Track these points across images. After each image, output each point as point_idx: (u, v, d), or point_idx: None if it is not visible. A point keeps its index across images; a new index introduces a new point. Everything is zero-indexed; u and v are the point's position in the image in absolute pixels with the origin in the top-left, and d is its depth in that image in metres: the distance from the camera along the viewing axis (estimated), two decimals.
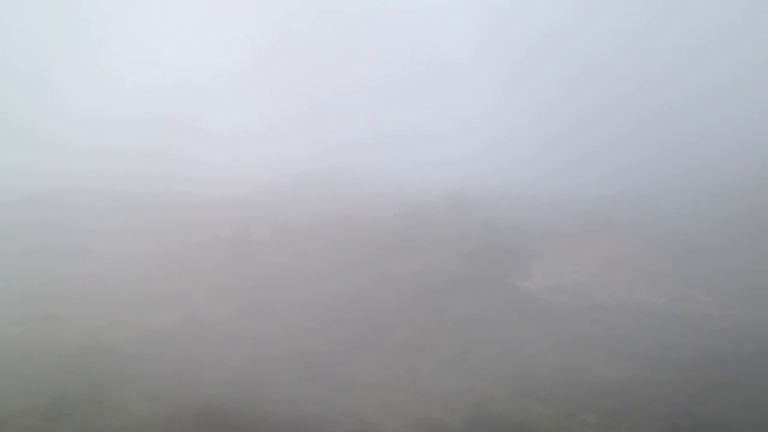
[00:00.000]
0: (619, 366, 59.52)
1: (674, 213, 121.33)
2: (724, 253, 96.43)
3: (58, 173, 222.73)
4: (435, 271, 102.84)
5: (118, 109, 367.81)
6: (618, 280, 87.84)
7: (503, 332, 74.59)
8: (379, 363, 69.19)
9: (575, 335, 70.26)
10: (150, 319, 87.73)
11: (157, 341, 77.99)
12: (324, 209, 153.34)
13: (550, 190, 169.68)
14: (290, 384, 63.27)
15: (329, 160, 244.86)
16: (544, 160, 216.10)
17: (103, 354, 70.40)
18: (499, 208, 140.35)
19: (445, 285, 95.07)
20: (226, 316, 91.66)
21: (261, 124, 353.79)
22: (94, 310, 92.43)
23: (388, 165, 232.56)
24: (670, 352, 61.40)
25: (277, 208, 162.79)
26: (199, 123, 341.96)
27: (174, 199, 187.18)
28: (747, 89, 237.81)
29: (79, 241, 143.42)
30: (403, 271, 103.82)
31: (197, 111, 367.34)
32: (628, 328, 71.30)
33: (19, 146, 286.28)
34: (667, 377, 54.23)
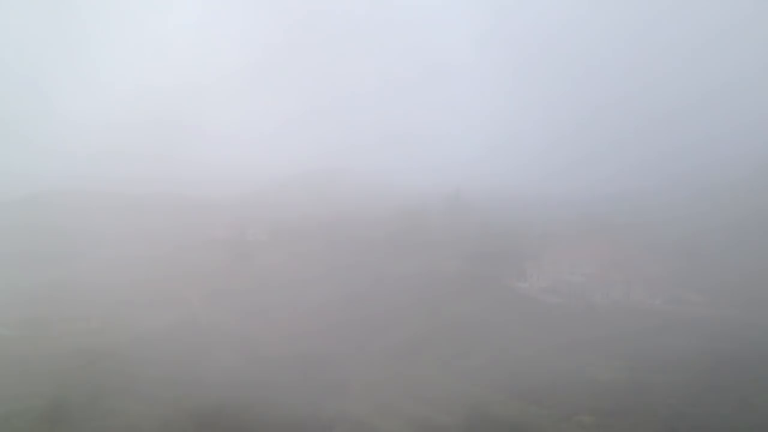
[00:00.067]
0: (614, 367, 59.61)
1: (670, 215, 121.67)
2: (720, 254, 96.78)
3: (55, 175, 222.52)
4: (431, 273, 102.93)
5: (117, 112, 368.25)
6: (614, 281, 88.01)
7: (499, 334, 74.62)
8: (376, 364, 69.12)
9: (571, 337, 70.34)
10: (146, 320, 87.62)
11: (153, 342, 77.86)
12: (321, 210, 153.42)
13: (547, 191, 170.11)
14: (286, 385, 63.12)
15: (328, 161, 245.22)
16: (542, 161, 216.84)
17: (99, 355, 70.24)
18: (496, 210, 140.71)
19: (441, 286, 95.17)
20: (222, 317, 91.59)
21: (260, 125, 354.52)
22: (91, 311, 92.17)
23: (386, 166, 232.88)
24: (665, 353, 61.50)
25: (273, 209, 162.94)
26: (198, 124, 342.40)
27: (171, 201, 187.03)
28: (746, 89, 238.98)
29: (74, 242, 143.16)
30: (400, 272, 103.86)
31: (197, 113, 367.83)
32: (624, 330, 71.40)
33: (16, 148, 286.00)
34: (663, 378, 54.35)
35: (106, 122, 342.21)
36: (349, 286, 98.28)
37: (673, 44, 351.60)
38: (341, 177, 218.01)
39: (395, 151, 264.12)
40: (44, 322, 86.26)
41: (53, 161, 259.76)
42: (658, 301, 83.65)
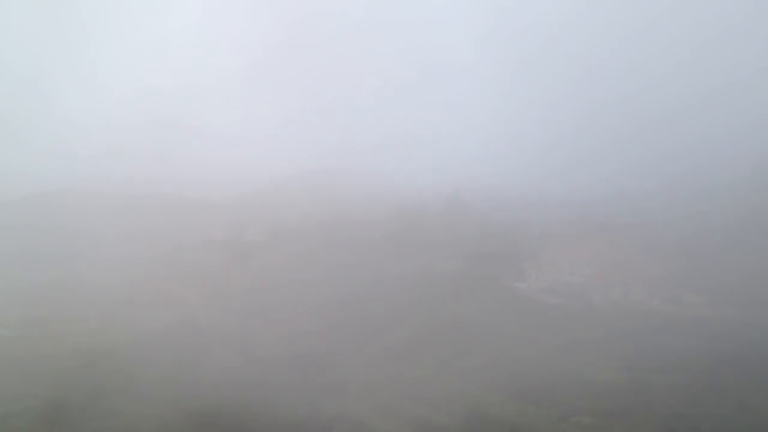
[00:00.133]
0: (613, 368, 59.54)
1: (669, 215, 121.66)
2: (719, 254, 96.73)
3: (55, 175, 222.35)
4: (430, 273, 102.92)
5: (116, 112, 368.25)
6: (612, 281, 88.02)
7: (498, 334, 74.59)
8: (375, 364, 69.11)
9: (569, 337, 70.32)
10: (145, 321, 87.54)
11: (152, 342, 77.79)
12: (320, 210, 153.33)
13: (547, 191, 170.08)
14: (286, 385, 63.14)
15: (327, 161, 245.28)
16: (542, 161, 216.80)
17: (98, 355, 70.14)
18: (496, 210, 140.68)
19: (440, 287, 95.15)
20: (222, 317, 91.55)
21: (259, 125, 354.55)
22: (90, 312, 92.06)
23: (386, 166, 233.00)
24: (664, 354, 61.46)
25: (273, 210, 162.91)
26: (198, 125, 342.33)
27: (170, 201, 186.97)
28: (746, 89, 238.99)
29: (74, 242, 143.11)
30: (399, 272, 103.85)
31: (196, 113, 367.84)
32: (623, 330, 71.40)
33: (16, 148, 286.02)
34: (663, 379, 54.28)
35: (105, 122, 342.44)
36: (348, 286, 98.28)
37: (673, 44, 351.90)
38: (341, 177, 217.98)
39: (395, 151, 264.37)
40: (43, 322, 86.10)
41: (53, 161, 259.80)
42: (657, 302, 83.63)
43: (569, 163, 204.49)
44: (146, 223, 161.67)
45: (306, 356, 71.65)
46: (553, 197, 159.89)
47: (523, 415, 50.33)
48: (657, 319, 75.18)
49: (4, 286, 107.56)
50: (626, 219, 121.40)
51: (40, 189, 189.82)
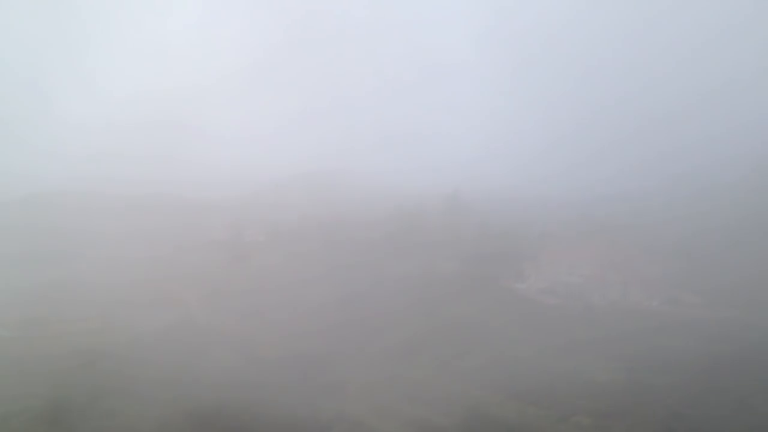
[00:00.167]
0: (612, 368, 59.60)
1: (669, 215, 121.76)
2: (718, 255, 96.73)
3: (55, 176, 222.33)
4: (430, 274, 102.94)
5: (116, 113, 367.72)
6: (611, 282, 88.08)
7: (497, 335, 74.67)
8: (374, 365, 69.15)
9: (568, 338, 70.42)
10: (145, 321, 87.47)
11: (151, 343, 77.80)
12: (320, 211, 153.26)
13: (547, 192, 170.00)
14: (285, 385, 63.18)
15: (327, 161, 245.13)
16: (542, 162, 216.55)
17: (97, 356, 70.24)
18: (495, 210, 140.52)
19: (439, 287, 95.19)
20: (220, 318, 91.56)
21: (259, 126, 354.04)
22: (89, 312, 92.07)
23: (385, 167, 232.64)
24: (663, 355, 61.56)
25: (272, 210, 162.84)
26: (197, 125, 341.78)
27: (170, 202, 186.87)
28: (746, 89, 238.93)
29: (72, 242, 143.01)
30: (398, 273, 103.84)
31: (196, 114, 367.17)
32: (622, 331, 71.49)
33: (16, 148, 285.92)
34: (661, 380, 54.35)
35: (105, 123, 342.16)
36: (348, 286, 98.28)
37: (673, 44, 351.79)
38: (340, 177, 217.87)
39: (395, 152, 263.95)
40: (43, 322, 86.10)
41: (53, 162, 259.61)
42: (656, 302, 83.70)
43: (569, 164, 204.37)
44: (146, 223, 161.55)
45: (305, 356, 71.70)
46: (552, 198, 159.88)
47: (522, 416, 50.41)
48: (656, 319, 75.28)
49: (4, 286, 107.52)
50: (626, 220, 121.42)
51: (40, 189, 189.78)
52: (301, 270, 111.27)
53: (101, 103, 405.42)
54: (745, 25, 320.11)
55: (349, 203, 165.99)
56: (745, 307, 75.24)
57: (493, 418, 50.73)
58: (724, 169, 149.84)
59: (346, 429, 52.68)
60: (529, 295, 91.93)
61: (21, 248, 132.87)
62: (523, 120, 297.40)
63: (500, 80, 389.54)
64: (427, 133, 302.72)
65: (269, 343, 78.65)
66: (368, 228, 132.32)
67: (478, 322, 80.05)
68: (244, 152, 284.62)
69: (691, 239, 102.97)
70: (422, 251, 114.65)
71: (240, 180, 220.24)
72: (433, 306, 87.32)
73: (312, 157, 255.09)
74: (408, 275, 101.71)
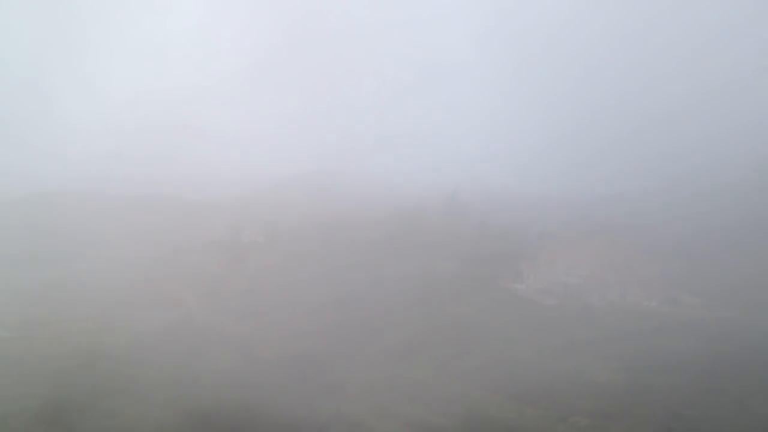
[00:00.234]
0: (611, 369, 59.62)
1: (669, 215, 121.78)
2: (715, 255, 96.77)
3: (55, 176, 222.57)
4: (429, 274, 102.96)
5: (116, 114, 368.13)
6: (610, 282, 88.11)
7: (496, 335, 74.69)
8: (373, 365, 69.17)
9: (567, 338, 70.44)
10: (144, 321, 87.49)
11: (150, 343, 77.80)
12: (319, 211, 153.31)
13: (546, 192, 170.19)
14: (284, 385, 63.16)
15: (326, 162, 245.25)
16: (541, 162, 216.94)
17: (96, 356, 70.20)
18: (494, 210, 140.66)
19: (439, 287, 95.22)
20: (219, 318, 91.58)
21: (258, 126, 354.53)
22: (88, 312, 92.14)
23: (385, 167, 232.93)
24: (662, 355, 61.58)
25: (271, 210, 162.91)
26: (197, 126, 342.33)
27: (169, 202, 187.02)
28: (746, 89, 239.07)
29: (72, 242, 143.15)
30: (398, 273, 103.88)
31: (196, 114, 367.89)
32: (620, 331, 71.50)
33: (16, 149, 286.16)
34: (660, 380, 54.34)
35: (105, 124, 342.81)
36: (347, 286, 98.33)
37: (673, 44, 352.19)
38: (340, 178, 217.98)
39: (394, 152, 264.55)
40: (42, 322, 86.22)
41: (53, 163, 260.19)
42: (654, 303, 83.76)
43: (569, 164, 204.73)
44: (146, 223, 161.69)
45: (304, 356, 71.72)
46: (552, 198, 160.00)
47: (521, 416, 50.42)
48: (655, 320, 75.30)
49: (4, 286, 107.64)
50: (625, 220, 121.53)
51: (40, 189, 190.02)
52: (301, 270, 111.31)
53: (101, 103, 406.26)
54: (745, 25, 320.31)
55: (349, 203, 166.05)
56: (745, 308, 75.28)
57: (493, 419, 50.73)
58: (724, 169, 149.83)
59: (345, 429, 52.66)
60: (528, 295, 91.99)
61: (21, 248, 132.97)
62: (523, 120, 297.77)
63: (500, 80, 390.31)
64: (427, 133, 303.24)
65: (268, 343, 78.65)
66: (368, 228, 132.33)
67: (478, 322, 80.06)
68: (244, 152, 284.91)
69: (690, 239, 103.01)
70: (422, 251, 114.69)
71: (240, 180, 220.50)
72: (432, 306, 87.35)
73: (312, 157, 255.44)
74: (408, 275, 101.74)
